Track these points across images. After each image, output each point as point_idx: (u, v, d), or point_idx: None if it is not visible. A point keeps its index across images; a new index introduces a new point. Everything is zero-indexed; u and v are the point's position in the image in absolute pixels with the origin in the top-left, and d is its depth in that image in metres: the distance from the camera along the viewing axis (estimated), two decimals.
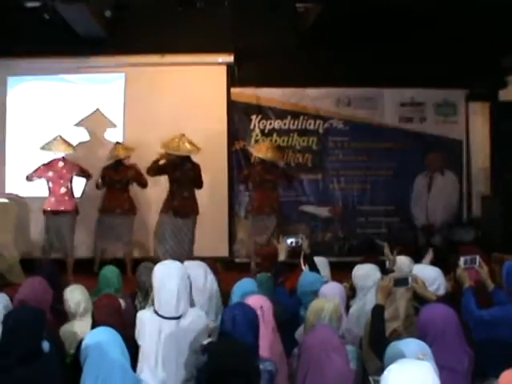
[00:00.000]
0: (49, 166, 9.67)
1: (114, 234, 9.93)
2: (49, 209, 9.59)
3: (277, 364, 4.09)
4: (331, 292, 5.12)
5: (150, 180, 9.92)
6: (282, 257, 6.29)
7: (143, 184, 10.04)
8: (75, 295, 5.37)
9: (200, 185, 9.76)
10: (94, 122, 10.83)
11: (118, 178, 9.89)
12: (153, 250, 9.80)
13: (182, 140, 9.57)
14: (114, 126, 10.86)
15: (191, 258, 9.07)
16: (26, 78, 10.93)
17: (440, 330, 3.88)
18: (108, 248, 10.05)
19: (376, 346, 4.30)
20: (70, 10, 9.06)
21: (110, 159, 10.00)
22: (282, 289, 5.78)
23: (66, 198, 9.63)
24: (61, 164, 9.69)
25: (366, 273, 5.63)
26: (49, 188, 9.67)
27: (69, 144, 9.87)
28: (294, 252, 6.44)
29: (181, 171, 9.57)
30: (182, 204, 9.56)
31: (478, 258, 5.09)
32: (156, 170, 9.66)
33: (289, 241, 6.32)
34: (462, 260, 5.09)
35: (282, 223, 10.22)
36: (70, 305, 5.32)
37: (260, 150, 10.10)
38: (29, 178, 9.74)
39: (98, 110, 10.87)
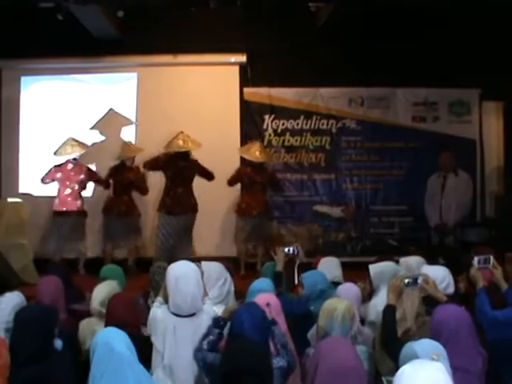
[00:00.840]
0: (59, 167, 9.84)
1: (116, 236, 9.93)
2: (54, 210, 9.80)
3: None
4: (347, 293, 5.12)
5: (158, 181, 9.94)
6: (279, 268, 6.29)
7: (142, 190, 10.06)
8: (103, 294, 5.34)
9: (210, 177, 9.80)
10: (111, 122, 10.85)
11: (119, 179, 9.90)
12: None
13: (178, 137, 9.59)
14: (131, 122, 10.87)
15: (191, 257, 9.14)
16: (40, 77, 10.99)
17: (453, 331, 3.87)
18: (115, 249, 10.04)
19: (389, 346, 4.30)
20: (83, 11, 9.10)
21: (117, 159, 10.03)
22: (281, 297, 5.76)
23: (69, 199, 9.76)
24: (70, 166, 9.85)
25: (382, 268, 5.65)
26: (58, 189, 9.82)
27: (79, 144, 9.94)
28: (290, 261, 6.45)
29: (174, 168, 9.56)
30: (174, 202, 9.54)
31: (491, 257, 5.07)
32: (150, 164, 9.75)
33: (285, 250, 6.36)
34: (475, 260, 5.08)
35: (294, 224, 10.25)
36: (97, 302, 5.28)
37: (248, 152, 10.05)
38: (43, 181, 9.88)
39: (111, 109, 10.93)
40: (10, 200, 9.82)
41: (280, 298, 5.09)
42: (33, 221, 9.82)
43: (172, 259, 8.47)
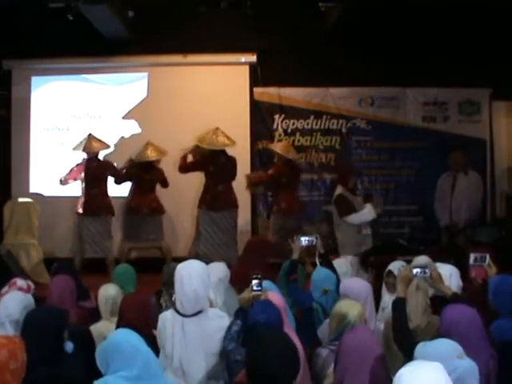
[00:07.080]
0: (82, 166, 9.59)
1: (141, 234, 9.82)
2: (80, 211, 9.56)
3: None
4: (358, 289, 5.00)
5: (182, 177, 9.84)
6: (295, 255, 6.30)
7: (165, 183, 9.96)
8: (110, 293, 5.35)
9: (232, 177, 9.62)
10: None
11: (147, 177, 9.80)
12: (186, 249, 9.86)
13: (216, 133, 9.50)
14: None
15: (232, 255, 9.07)
16: (50, 78, 11.00)
17: (464, 333, 3.81)
18: (135, 247, 10.00)
19: (400, 340, 4.24)
20: (94, 11, 9.11)
21: (139, 159, 9.86)
22: (293, 285, 5.78)
23: (98, 198, 9.57)
24: (94, 163, 9.62)
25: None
26: (82, 189, 9.62)
27: (101, 142, 9.79)
28: (308, 251, 6.45)
29: (214, 165, 9.46)
30: (215, 198, 9.43)
31: (487, 256, 5.06)
32: (187, 167, 9.61)
33: (303, 240, 6.32)
34: (471, 257, 5.08)
35: (305, 224, 10.19)
36: (103, 302, 5.29)
37: (286, 150, 9.87)
38: (63, 182, 9.68)
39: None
40: (20, 200, 9.85)
41: (291, 285, 5.08)
42: (43, 221, 9.85)
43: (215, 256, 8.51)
